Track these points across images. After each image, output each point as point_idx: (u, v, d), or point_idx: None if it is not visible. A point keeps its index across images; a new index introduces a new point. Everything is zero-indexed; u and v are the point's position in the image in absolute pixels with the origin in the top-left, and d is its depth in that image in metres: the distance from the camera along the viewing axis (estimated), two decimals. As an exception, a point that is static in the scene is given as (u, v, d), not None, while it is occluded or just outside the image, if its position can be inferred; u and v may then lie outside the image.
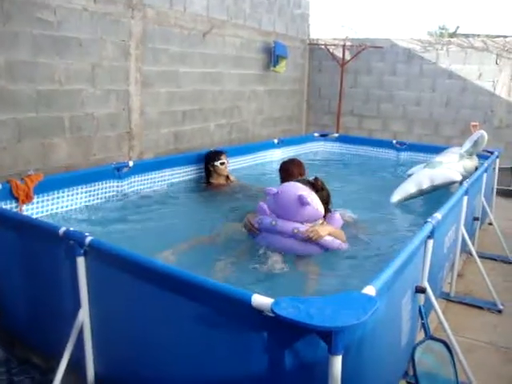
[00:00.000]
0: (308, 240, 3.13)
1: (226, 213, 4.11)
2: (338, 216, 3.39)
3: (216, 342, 1.89)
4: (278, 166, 4.19)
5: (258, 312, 1.66)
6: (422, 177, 4.58)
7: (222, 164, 4.83)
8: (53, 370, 2.31)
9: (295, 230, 3.13)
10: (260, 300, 1.65)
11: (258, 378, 1.79)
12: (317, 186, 3.35)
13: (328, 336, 1.51)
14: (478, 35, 11.66)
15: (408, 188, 4.56)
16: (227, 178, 4.95)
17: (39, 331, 2.79)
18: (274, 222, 3.19)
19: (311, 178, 3.46)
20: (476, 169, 4.74)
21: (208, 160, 4.90)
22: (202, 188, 4.89)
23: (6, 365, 2.79)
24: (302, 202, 3.09)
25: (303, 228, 3.14)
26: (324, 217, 3.30)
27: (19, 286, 2.81)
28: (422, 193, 4.57)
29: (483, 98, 7.87)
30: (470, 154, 4.85)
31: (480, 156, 5.17)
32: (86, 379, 2.37)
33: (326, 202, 3.36)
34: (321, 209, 3.22)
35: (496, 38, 7.98)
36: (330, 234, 3.20)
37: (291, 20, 8.30)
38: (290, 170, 3.99)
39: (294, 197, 3.12)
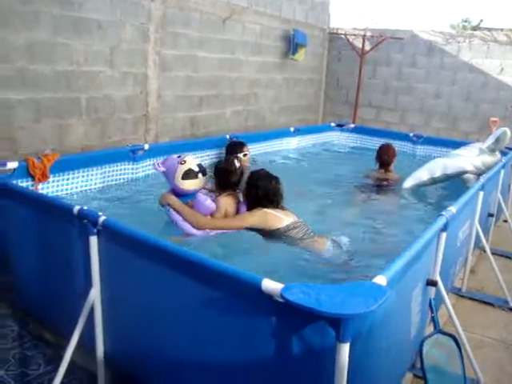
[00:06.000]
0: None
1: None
2: (204, 200, 3.19)
3: (225, 326, 1.90)
4: (293, 154, 4.22)
5: (268, 297, 1.66)
6: (436, 165, 4.62)
7: (245, 156, 4.82)
8: (64, 347, 2.34)
9: None
10: (270, 285, 1.65)
11: (266, 362, 1.79)
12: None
13: (337, 323, 1.51)
14: (502, 29, 11.43)
15: (421, 175, 4.61)
16: None
17: (52, 308, 2.83)
18: None
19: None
20: None
21: (231, 152, 4.87)
22: None
23: (19, 340, 2.84)
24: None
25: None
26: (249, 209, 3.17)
27: (33, 263, 2.85)
28: (434, 181, 4.59)
29: (504, 93, 7.73)
30: (491, 150, 4.80)
31: (499, 152, 5.09)
32: (95, 357, 2.40)
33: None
34: (175, 180, 3.20)
35: (520, 33, 7.82)
36: (169, 205, 3.14)
37: (311, 8, 8.21)
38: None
39: None
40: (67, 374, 2.33)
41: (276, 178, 3.19)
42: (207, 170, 3.44)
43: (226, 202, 3.26)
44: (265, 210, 3.06)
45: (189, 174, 3.21)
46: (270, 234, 3.01)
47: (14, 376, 2.53)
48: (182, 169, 3.20)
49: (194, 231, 3.08)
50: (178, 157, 3.32)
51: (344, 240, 3.11)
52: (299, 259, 2.92)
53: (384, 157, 5.00)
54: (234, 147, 4.82)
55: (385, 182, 4.87)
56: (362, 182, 4.96)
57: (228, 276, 1.80)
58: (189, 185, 3.23)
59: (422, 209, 4.38)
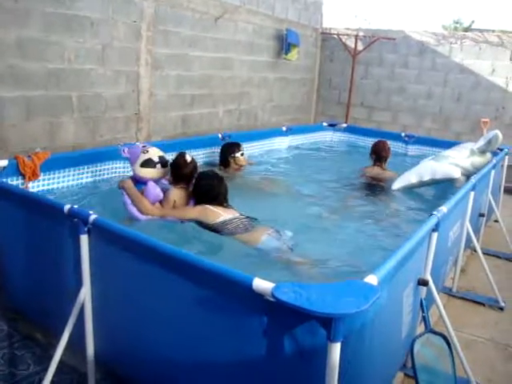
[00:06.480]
0: None
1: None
2: (153, 188, 3.36)
3: (215, 324, 1.89)
4: (285, 153, 4.22)
5: (259, 296, 1.65)
6: (425, 169, 4.65)
7: (242, 155, 4.81)
8: (53, 346, 2.33)
9: None
10: (261, 284, 1.64)
11: (256, 361, 1.79)
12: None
13: (328, 323, 1.51)
14: (493, 30, 11.50)
15: (410, 178, 4.65)
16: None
17: (41, 307, 2.81)
18: None
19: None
20: None
21: (228, 152, 4.83)
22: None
23: (8, 339, 2.82)
24: None
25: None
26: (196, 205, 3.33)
27: (23, 262, 2.83)
28: (422, 184, 4.65)
29: (495, 94, 7.78)
30: (482, 151, 4.83)
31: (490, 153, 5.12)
32: (85, 357, 2.39)
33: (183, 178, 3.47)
34: (134, 166, 3.38)
35: (512, 34, 7.87)
36: (124, 188, 3.31)
37: (304, 8, 8.21)
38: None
39: None
40: (57, 374, 2.32)
41: (220, 178, 3.41)
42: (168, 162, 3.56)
43: (176, 194, 3.42)
44: (206, 206, 3.26)
45: (147, 163, 3.38)
46: (208, 228, 3.20)
47: (3, 376, 2.51)
48: (143, 157, 3.40)
49: (138, 215, 3.27)
50: (144, 146, 3.53)
51: (287, 234, 3.22)
52: (233, 251, 3.10)
53: (382, 152, 5.06)
54: (231, 148, 4.81)
55: (381, 183, 4.88)
56: (355, 181, 4.97)
57: (219, 275, 1.79)
58: (145, 173, 3.38)
59: (414, 208, 4.40)
